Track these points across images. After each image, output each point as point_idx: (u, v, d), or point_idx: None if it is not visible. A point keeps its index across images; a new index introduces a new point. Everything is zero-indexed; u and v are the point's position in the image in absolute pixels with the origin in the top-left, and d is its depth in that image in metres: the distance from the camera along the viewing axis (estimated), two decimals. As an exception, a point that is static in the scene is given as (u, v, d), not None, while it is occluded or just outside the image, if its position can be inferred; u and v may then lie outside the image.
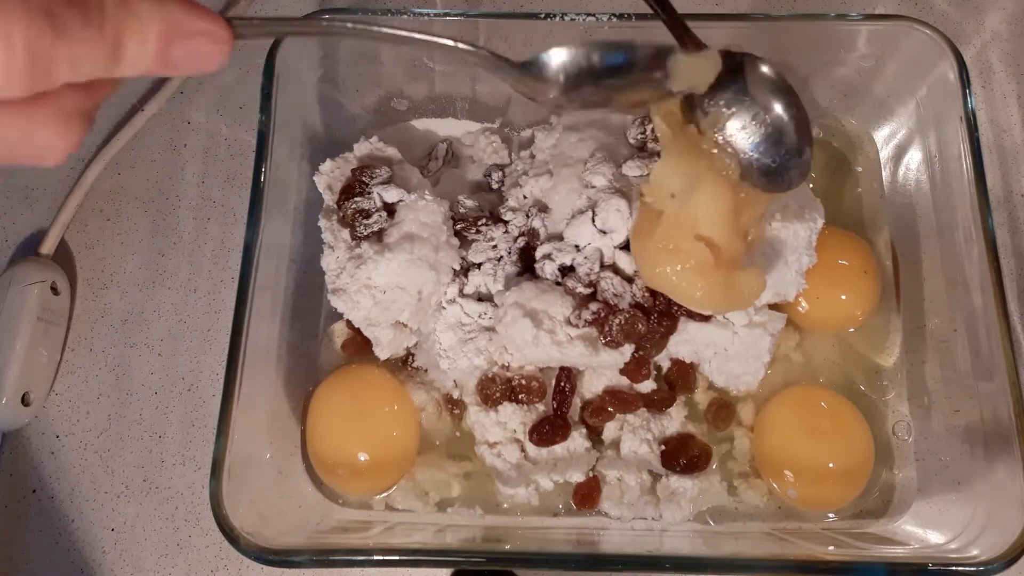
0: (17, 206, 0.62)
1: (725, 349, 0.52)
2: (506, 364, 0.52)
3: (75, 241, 0.61)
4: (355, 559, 0.44)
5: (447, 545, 0.48)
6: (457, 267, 0.53)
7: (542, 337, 0.49)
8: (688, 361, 0.53)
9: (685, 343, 0.52)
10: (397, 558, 0.44)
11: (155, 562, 0.54)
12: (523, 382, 0.52)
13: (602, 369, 0.52)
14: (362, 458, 0.51)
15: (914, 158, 0.56)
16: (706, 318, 0.51)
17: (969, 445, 0.49)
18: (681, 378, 0.53)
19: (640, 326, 0.48)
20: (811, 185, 0.55)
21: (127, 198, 0.62)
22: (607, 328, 0.48)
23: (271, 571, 0.53)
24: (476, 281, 0.53)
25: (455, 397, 0.54)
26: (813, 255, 0.51)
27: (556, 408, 0.52)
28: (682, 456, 0.51)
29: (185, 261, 0.61)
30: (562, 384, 0.52)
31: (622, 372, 0.51)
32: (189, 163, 0.63)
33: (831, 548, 0.49)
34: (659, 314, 0.49)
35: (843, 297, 0.55)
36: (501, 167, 0.58)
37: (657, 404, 0.53)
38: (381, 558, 0.44)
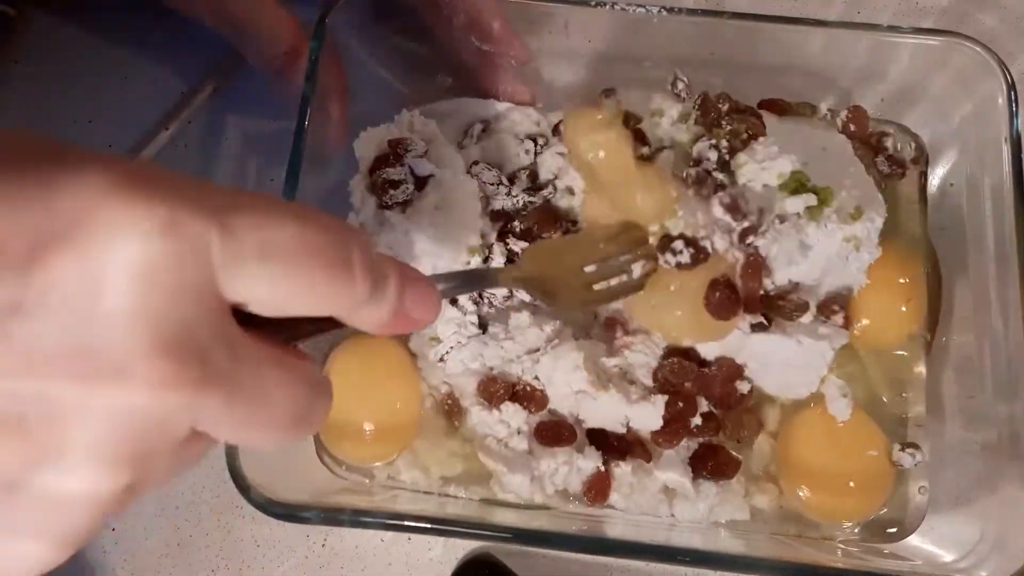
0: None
1: (785, 360, 0.51)
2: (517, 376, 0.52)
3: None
4: (363, 519, 0.44)
5: (459, 515, 0.48)
6: (477, 242, 0.53)
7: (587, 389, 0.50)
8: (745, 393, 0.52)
9: (748, 358, 0.51)
10: (409, 523, 0.44)
11: (155, 562, 0.54)
12: (527, 389, 0.51)
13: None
14: (368, 424, 0.52)
15: (955, 176, 0.56)
16: (765, 328, 0.51)
17: (983, 465, 0.49)
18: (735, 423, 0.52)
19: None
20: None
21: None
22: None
23: (271, 570, 0.54)
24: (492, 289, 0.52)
25: (456, 396, 0.53)
26: (875, 250, 0.51)
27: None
28: (710, 461, 0.51)
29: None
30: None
31: (655, 435, 0.50)
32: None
33: (838, 556, 0.49)
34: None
35: (898, 313, 0.54)
36: (538, 136, 0.57)
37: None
38: (391, 522, 0.44)
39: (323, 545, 0.55)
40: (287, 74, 0.54)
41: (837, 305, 0.51)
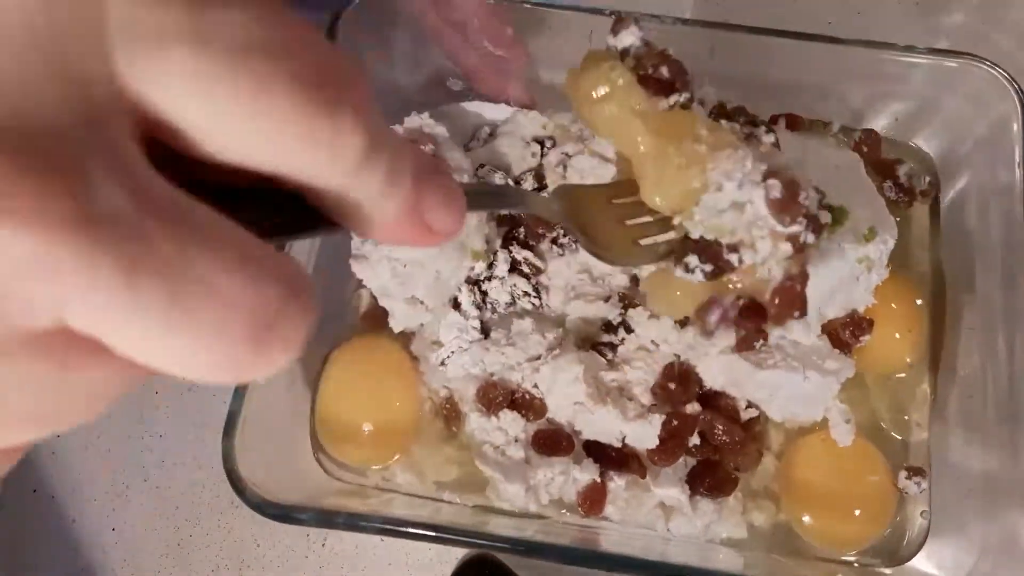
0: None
1: (791, 394, 0.50)
2: (517, 383, 0.51)
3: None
4: (358, 523, 0.44)
5: (454, 522, 0.48)
6: (481, 247, 0.53)
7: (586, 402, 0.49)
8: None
9: (756, 391, 0.50)
10: (404, 529, 0.44)
11: (155, 562, 0.54)
12: (526, 397, 0.51)
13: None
14: (367, 426, 0.52)
15: (966, 199, 0.56)
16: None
17: (983, 489, 0.49)
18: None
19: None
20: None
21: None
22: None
23: (271, 570, 0.54)
24: (495, 296, 0.52)
25: (455, 400, 0.53)
26: (884, 271, 0.50)
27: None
28: (708, 478, 0.50)
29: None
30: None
31: (651, 453, 0.50)
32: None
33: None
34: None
35: (903, 339, 0.53)
36: (545, 139, 0.57)
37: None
38: (386, 526, 0.44)
39: (323, 545, 0.55)
40: None
41: (856, 329, 0.50)
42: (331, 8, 0.52)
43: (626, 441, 0.50)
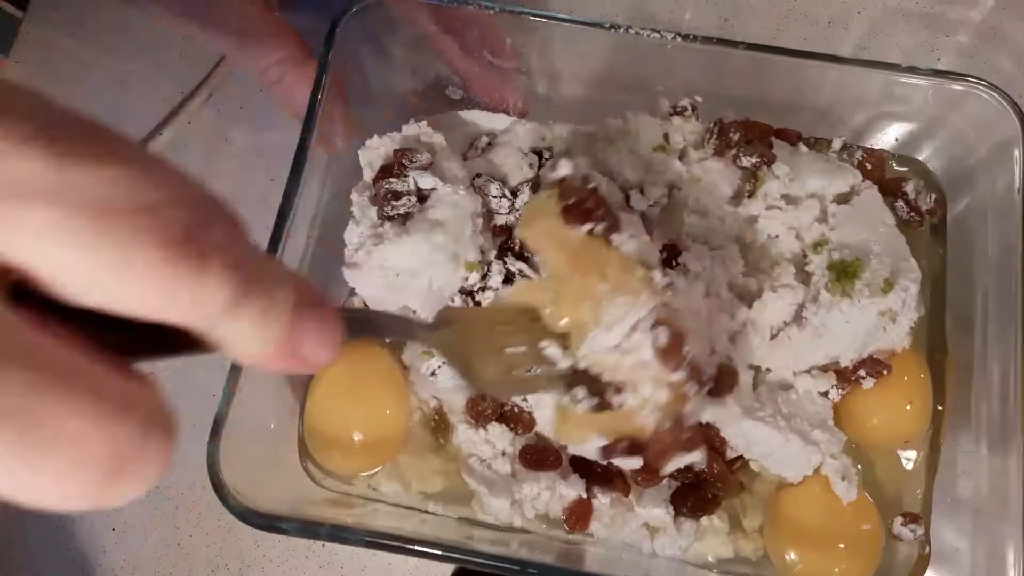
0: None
1: (768, 452, 0.49)
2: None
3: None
4: (341, 535, 0.44)
5: (439, 537, 0.47)
6: (476, 258, 0.52)
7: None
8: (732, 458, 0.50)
9: (736, 436, 0.49)
10: (388, 542, 0.43)
11: (155, 562, 0.54)
12: (515, 411, 0.51)
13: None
14: (355, 434, 0.51)
15: (966, 222, 0.55)
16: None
17: (974, 513, 0.48)
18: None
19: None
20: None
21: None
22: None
23: (271, 570, 0.53)
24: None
25: (444, 411, 0.53)
26: (914, 313, 0.49)
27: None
28: (690, 498, 0.50)
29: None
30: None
31: (635, 473, 0.48)
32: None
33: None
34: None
35: (901, 415, 0.51)
36: (543, 150, 0.57)
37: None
38: (369, 539, 0.43)
39: (323, 545, 0.54)
40: (284, 82, 0.54)
41: (867, 367, 0.50)
42: (329, 14, 0.52)
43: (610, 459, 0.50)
